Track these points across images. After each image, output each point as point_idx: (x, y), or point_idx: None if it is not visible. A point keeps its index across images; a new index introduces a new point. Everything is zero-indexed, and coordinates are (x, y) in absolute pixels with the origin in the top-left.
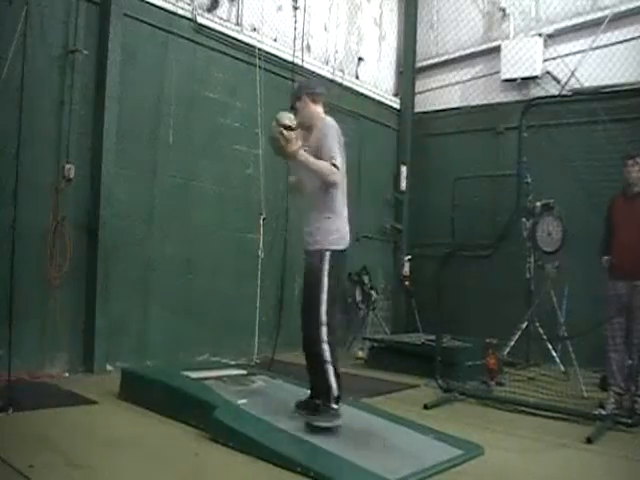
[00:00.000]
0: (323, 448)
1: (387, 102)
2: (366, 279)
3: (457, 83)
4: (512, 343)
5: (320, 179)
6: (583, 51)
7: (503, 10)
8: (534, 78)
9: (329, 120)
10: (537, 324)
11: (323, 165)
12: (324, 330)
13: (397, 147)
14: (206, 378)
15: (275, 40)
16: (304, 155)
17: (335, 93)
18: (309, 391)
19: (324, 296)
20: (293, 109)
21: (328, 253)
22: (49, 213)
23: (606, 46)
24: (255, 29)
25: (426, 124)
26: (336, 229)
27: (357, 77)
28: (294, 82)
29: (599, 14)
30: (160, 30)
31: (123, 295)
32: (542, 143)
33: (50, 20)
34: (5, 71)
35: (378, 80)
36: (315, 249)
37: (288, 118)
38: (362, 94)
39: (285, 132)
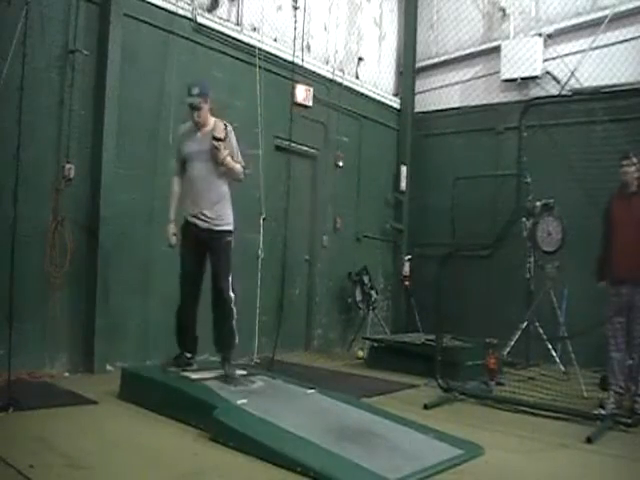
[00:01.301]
0: (323, 448)
1: (387, 102)
2: (366, 279)
3: (457, 83)
4: (512, 343)
5: (232, 176)
6: (583, 51)
7: (503, 10)
8: (534, 78)
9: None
10: (537, 324)
11: (239, 168)
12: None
13: (397, 147)
14: (206, 378)
15: (275, 40)
16: (231, 162)
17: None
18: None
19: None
20: (196, 109)
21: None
22: (49, 213)
23: (606, 46)
24: (255, 29)
25: (426, 124)
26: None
27: (357, 77)
28: (293, 81)
29: (599, 14)
30: (160, 30)
31: (123, 295)
32: (542, 143)
33: (50, 20)
34: (5, 71)
35: (378, 80)
36: (224, 230)
37: (220, 131)
38: (362, 94)
39: (216, 143)
